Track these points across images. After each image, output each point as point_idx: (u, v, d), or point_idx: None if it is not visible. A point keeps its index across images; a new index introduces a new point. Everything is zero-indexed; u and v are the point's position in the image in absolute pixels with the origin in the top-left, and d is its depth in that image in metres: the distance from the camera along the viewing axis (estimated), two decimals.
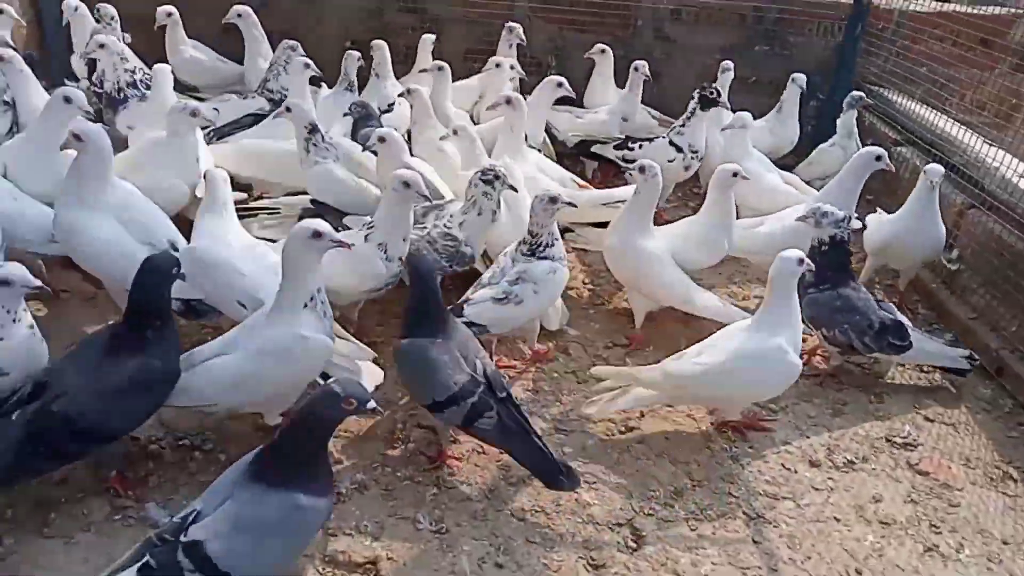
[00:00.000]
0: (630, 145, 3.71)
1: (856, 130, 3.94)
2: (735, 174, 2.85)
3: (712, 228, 2.91)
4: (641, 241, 2.76)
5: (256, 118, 3.61)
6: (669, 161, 3.52)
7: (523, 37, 4.18)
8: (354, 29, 4.56)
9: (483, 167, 2.73)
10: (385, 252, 2.46)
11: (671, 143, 3.58)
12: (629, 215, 2.78)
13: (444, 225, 2.71)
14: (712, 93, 3.51)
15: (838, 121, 3.96)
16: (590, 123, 4.03)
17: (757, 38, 4.57)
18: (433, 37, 4.18)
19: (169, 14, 4.02)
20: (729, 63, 4.07)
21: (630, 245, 2.76)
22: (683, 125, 3.58)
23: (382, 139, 2.87)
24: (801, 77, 3.99)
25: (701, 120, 3.57)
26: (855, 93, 3.95)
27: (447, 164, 3.19)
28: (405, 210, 2.49)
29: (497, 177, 2.65)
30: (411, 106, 3.32)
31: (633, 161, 2.95)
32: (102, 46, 3.38)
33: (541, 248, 2.50)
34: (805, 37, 4.54)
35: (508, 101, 3.16)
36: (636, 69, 3.97)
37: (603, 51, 4.25)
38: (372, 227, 2.51)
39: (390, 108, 3.81)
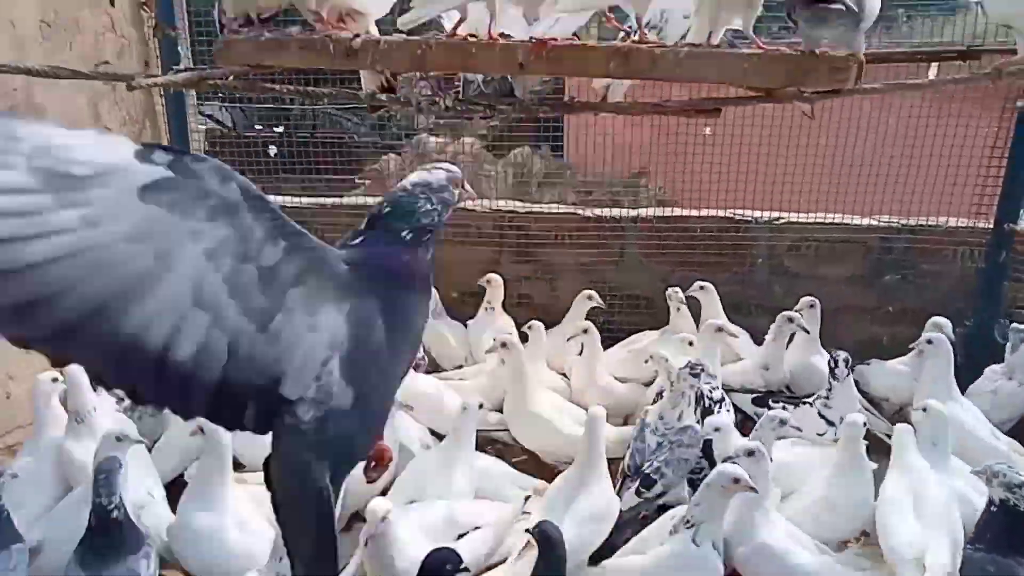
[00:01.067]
0: (771, 403, 3.45)
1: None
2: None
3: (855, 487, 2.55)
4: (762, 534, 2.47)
5: None
6: (819, 434, 3.20)
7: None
8: (472, 279, 4.73)
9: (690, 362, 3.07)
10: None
11: (820, 415, 3.26)
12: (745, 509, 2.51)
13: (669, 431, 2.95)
14: (837, 362, 3.25)
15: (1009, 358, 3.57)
16: (731, 372, 3.79)
17: (886, 267, 4.32)
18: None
19: None
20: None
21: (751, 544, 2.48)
22: (828, 396, 3.27)
23: None
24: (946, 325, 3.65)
25: (848, 386, 3.26)
26: (1017, 326, 3.59)
27: None
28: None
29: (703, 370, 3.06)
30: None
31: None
32: None
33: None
34: (941, 264, 4.25)
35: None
36: (790, 320, 3.75)
37: (702, 287, 4.06)
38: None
39: None
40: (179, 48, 4.12)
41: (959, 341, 4.12)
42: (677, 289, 4.07)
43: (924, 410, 2.83)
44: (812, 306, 3.87)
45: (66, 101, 3.30)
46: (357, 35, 2.61)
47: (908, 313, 4.20)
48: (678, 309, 4.04)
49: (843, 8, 2.07)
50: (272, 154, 4.66)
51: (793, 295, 4.44)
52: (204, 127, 4.41)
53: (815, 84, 2.32)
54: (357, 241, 1.54)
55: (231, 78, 2.61)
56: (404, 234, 1.53)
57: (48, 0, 3.18)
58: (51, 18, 3.18)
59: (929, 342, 3.36)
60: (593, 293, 4.14)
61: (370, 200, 4.73)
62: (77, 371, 2.88)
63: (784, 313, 3.77)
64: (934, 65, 3.61)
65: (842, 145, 4.17)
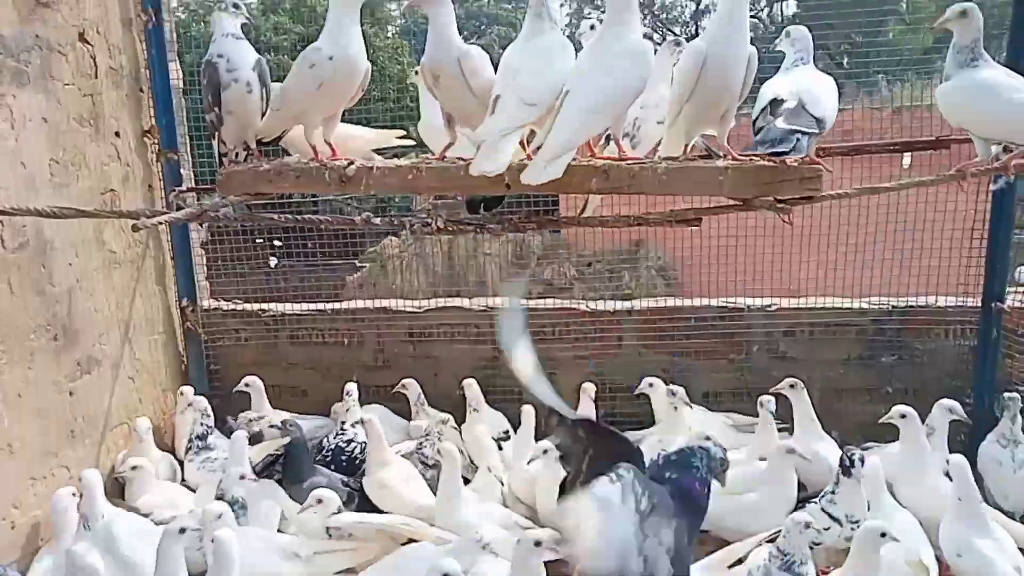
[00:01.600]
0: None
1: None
2: (883, 534, 2.54)
3: None
4: None
5: None
6: (824, 529, 3.09)
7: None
8: (470, 376, 4.77)
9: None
10: None
11: (824, 510, 3.16)
12: None
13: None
14: (852, 460, 3.14)
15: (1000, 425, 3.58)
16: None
17: (882, 348, 4.37)
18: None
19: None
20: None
21: None
22: (834, 492, 3.17)
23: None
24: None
25: (855, 485, 3.14)
26: (1009, 394, 3.60)
27: None
28: None
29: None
30: None
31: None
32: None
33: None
34: (935, 343, 4.29)
35: None
36: (762, 405, 3.77)
37: (792, 385, 3.86)
38: None
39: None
40: (181, 170, 4.28)
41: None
42: (681, 389, 4.05)
43: None
44: (793, 386, 3.86)
45: (72, 230, 3.42)
46: (351, 163, 2.75)
47: (908, 393, 4.23)
48: (676, 408, 4.01)
49: (812, 131, 2.19)
50: (272, 265, 4.78)
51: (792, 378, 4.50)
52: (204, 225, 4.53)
53: (789, 193, 2.43)
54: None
55: (226, 208, 2.71)
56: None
57: (57, 138, 3.33)
58: (60, 156, 3.33)
59: (903, 416, 3.49)
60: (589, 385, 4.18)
61: (363, 304, 4.83)
62: (93, 478, 3.02)
63: (761, 399, 3.80)
64: (907, 155, 3.76)
65: (827, 229, 4.27)
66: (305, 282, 5.32)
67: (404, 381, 4.47)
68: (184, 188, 4.16)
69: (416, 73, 3.04)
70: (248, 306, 4.84)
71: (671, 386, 4.06)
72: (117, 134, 3.83)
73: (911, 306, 4.28)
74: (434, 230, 2.66)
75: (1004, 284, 4.00)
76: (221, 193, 2.90)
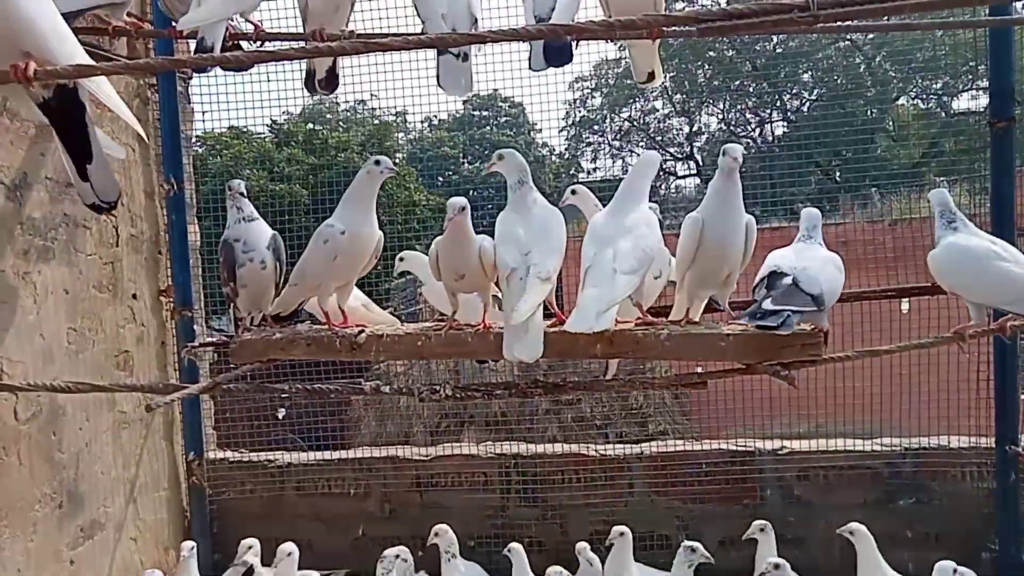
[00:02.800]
0: None
1: None
2: None
3: None
4: None
5: None
6: None
7: None
8: (479, 525, 4.66)
9: None
10: None
11: None
12: None
13: None
14: None
15: None
16: None
17: (898, 492, 4.29)
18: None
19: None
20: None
21: None
22: None
23: None
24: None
25: None
26: None
27: None
28: None
29: None
30: None
31: None
32: None
33: None
34: (952, 485, 4.22)
35: None
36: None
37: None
38: None
39: None
40: (195, 326, 4.37)
41: (988, 565, 4.03)
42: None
43: None
44: (763, 530, 3.81)
45: (85, 394, 3.45)
46: (362, 331, 2.82)
47: (931, 537, 4.14)
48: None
49: (809, 308, 2.26)
50: (280, 416, 4.79)
51: (808, 524, 4.39)
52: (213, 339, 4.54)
53: (791, 357, 2.47)
54: None
55: (238, 383, 2.76)
56: None
57: (76, 306, 3.43)
58: (78, 324, 3.42)
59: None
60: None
61: (375, 454, 4.79)
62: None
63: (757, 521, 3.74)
64: (905, 301, 3.83)
65: (836, 372, 4.29)
66: (315, 422, 5.31)
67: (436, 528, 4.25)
68: (197, 344, 4.22)
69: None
70: (254, 456, 4.81)
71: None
72: (134, 296, 3.95)
73: (924, 448, 4.24)
74: (442, 397, 2.70)
75: (1016, 426, 3.97)
76: (235, 361, 2.97)
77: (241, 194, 2.87)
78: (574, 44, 2.93)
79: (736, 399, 4.82)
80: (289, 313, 3.04)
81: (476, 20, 2.95)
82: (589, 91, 21.76)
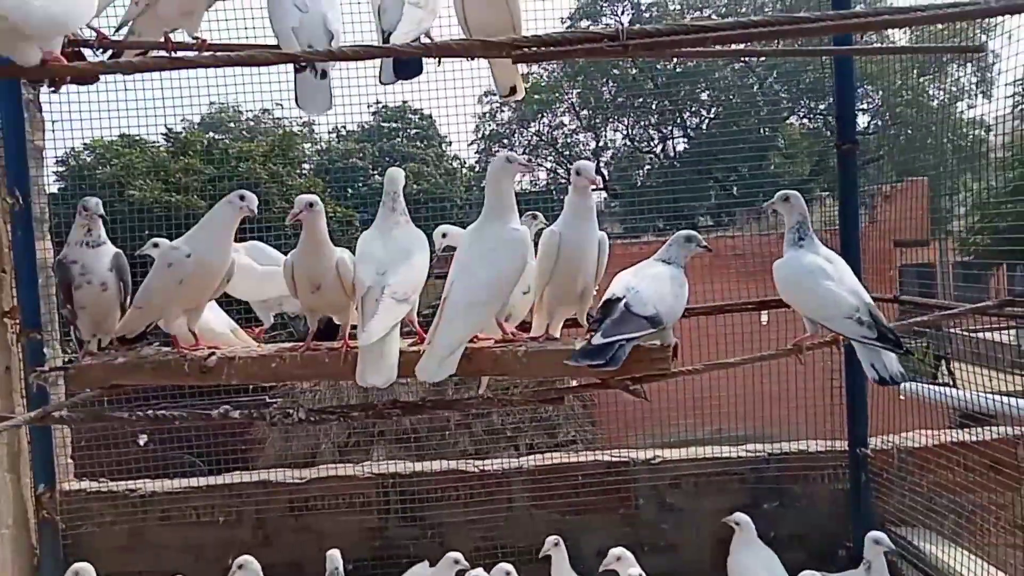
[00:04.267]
0: None
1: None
2: None
3: None
4: None
5: None
6: None
7: None
8: (357, 548, 4.55)
9: None
10: None
11: None
12: None
13: None
14: None
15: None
16: None
17: (763, 496, 4.47)
18: None
19: None
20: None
21: None
22: None
23: None
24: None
25: None
26: (874, 533, 3.67)
27: None
28: None
29: None
30: None
31: None
32: None
33: None
34: (811, 487, 4.44)
35: None
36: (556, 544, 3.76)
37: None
38: None
39: None
40: (45, 349, 4.09)
41: (845, 560, 4.24)
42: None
43: None
44: (556, 544, 3.93)
45: None
46: (212, 353, 2.70)
47: (794, 539, 4.32)
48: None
49: (644, 332, 2.30)
50: (142, 444, 4.54)
51: (682, 530, 4.52)
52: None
53: (641, 371, 2.53)
54: None
55: (69, 413, 2.59)
56: None
57: None
58: None
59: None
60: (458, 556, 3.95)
61: (246, 479, 4.61)
62: None
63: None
64: (764, 313, 4.00)
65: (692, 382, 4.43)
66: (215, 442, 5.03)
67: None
68: (47, 368, 3.95)
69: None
70: (114, 485, 4.54)
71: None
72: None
73: (786, 453, 4.44)
74: (295, 421, 2.61)
75: (866, 429, 4.21)
76: (73, 388, 2.79)
77: (99, 215, 2.69)
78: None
79: (637, 407, 4.86)
80: (137, 335, 2.88)
81: (333, 35, 2.88)
82: (498, 105, 21.92)
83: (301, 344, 2.74)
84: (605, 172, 23.14)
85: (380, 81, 2.82)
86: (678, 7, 22.93)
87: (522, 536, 4.45)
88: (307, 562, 4.30)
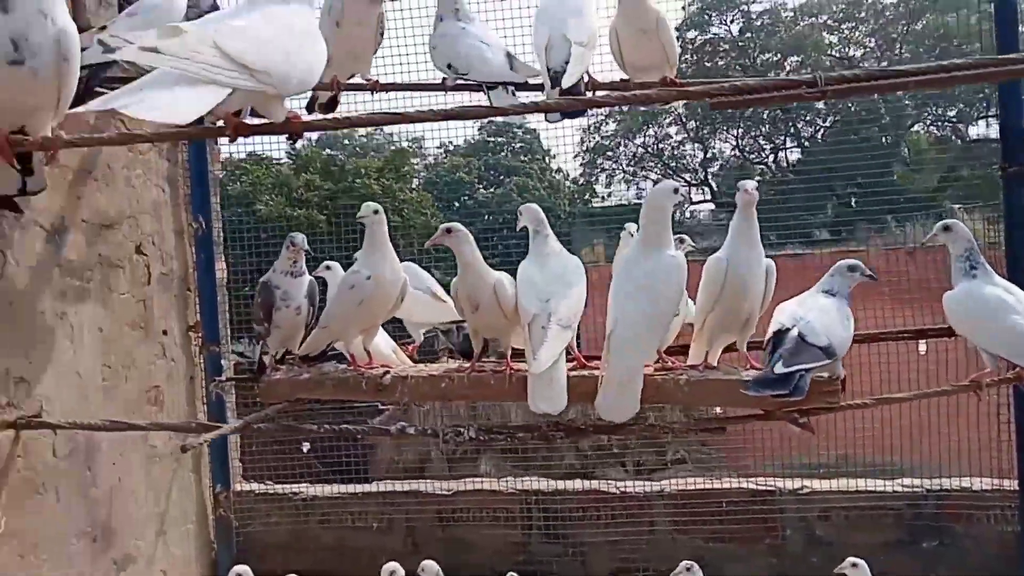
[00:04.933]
0: None
1: None
2: None
3: None
4: None
5: None
6: None
7: None
8: (502, 562, 4.67)
9: None
10: None
11: None
12: None
13: None
14: None
15: None
16: None
17: (921, 534, 4.26)
18: None
19: None
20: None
21: None
22: None
23: None
24: None
25: None
26: None
27: None
28: None
29: None
30: None
31: None
32: None
33: None
34: (975, 527, 4.18)
35: None
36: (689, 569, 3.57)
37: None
38: None
39: None
40: (222, 361, 4.48)
41: None
42: None
43: None
44: (689, 569, 3.66)
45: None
46: (387, 372, 2.90)
47: None
48: None
49: (820, 362, 2.29)
50: (305, 450, 4.87)
51: (833, 563, 4.35)
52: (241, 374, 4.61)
53: (810, 403, 2.50)
54: None
55: (268, 423, 2.84)
56: None
57: (110, 345, 3.54)
58: (111, 361, 3.53)
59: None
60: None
61: (397, 487, 4.84)
62: None
63: None
64: (922, 342, 3.84)
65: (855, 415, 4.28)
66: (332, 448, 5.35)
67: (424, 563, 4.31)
68: (224, 378, 4.34)
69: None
70: (279, 488, 4.89)
71: None
72: (164, 332, 4.06)
73: (946, 489, 4.22)
74: (465, 439, 2.76)
75: None
76: (263, 400, 3.06)
77: (305, 251, 2.96)
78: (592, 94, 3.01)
79: (755, 430, 4.79)
80: (318, 353, 3.13)
81: (511, 58, 3.05)
82: (603, 117, 21.87)
83: (467, 365, 2.90)
84: (713, 184, 22.59)
85: (546, 120, 2.94)
86: (791, 14, 22.10)
87: (664, 560, 4.43)
88: (452, 572, 4.46)
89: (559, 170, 20.79)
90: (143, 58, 1.63)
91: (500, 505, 4.70)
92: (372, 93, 3.23)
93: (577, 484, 4.78)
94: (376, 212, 2.87)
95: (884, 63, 20.62)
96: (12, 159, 2.03)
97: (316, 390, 3.01)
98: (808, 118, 21.61)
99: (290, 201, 13.31)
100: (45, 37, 1.95)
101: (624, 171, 23.21)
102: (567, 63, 2.82)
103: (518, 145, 21.75)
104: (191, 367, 4.41)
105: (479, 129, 21.13)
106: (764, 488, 4.45)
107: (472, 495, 4.75)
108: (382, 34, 3.06)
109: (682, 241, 3.25)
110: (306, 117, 2.08)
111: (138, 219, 3.81)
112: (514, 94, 2.96)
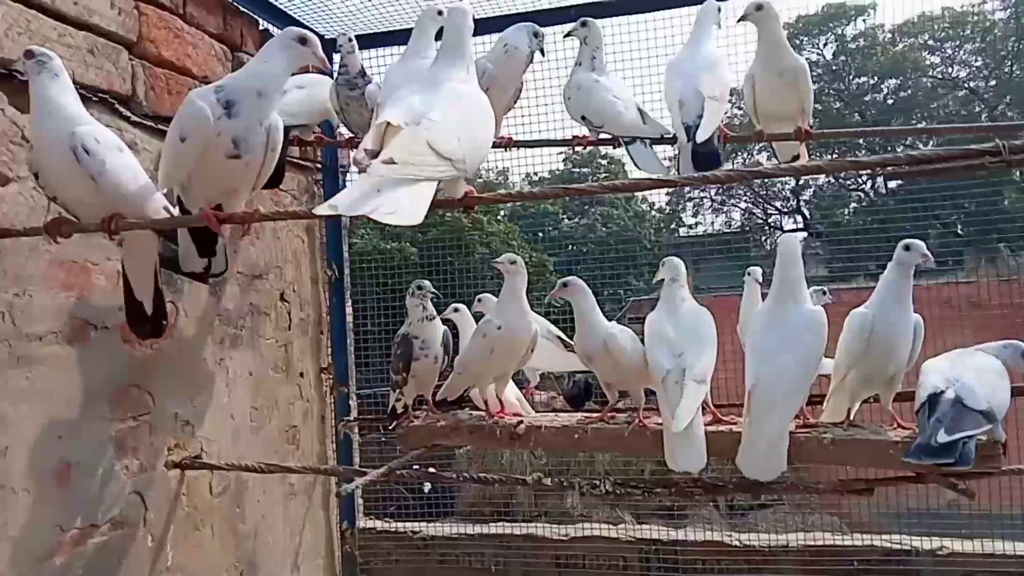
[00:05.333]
0: None
1: None
2: None
3: None
4: None
5: None
6: None
7: None
8: None
9: None
10: None
11: None
12: None
13: None
14: None
15: None
16: None
17: None
18: None
19: None
20: None
21: None
22: None
23: None
24: None
25: None
26: None
27: None
28: None
29: None
30: None
31: None
32: None
33: None
34: None
35: None
36: None
37: None
38: None
39: None
40: (349, 401, 4.68)
41: None
42: None
43: None
44: None
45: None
46: (521, 421, 2.97)
47: None
48: None
49: (983, 428, 2.21)
50: (427, 491, 4.98)
51: None
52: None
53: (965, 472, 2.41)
54: None
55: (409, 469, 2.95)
56: None
57: (258, 387, 3.77)
58: (259, 403, 3.75)
59: None
60: None
61: (514, 531, 4.89)
62: None
63: None
64: None
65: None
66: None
67: None
68: (352, 419, 4.54)
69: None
70: (400, 526, 5.02)
71: None
72: (301, 375, 4.28)
73: None
74: (602, 492, 2.79)
75: None
76: (402, 446, 3.19)
77: (431, 294, 3.10)
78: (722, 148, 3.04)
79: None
80: (454, 400, 3.24)
81: (642, 113, 3.13)
82: None
83: (597, 414, 2.95)
84: (806, 211, 21.80)
85: (677, 171, 2.99)
86: (888, 35, 21.26)
87: None
88: None
89: (644, 200, 20.62)
90: (382, 170, 1.77)
91: (617, 553, 4.66)
92: (506, 150, 3.37)
93: (694, 534, 4.69)
94: (513, 263, 2.97)
95: (992, 82, 19.68)
96: (220, 227, 2.24)
97: (453, 436, 3.12)
98: (908, 141, 20.77)
99: (383, 234, 13.71)
100: (260, 135, 2.18)
101: (712, 200, 22.82)
102: (700, 117, 2.87)
103: (603, 175, 21.77)
104: (322, 407, 4.62)
105: (564, 160, 21.27)
106: (898, 547, 4.24)
107: (588, 541, 4.74)
108: (519, 93, 3.19)
109: (824, 293, 3.21)
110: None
111: (282, 268, 4.07)
112: (651, 147, 3.02)
